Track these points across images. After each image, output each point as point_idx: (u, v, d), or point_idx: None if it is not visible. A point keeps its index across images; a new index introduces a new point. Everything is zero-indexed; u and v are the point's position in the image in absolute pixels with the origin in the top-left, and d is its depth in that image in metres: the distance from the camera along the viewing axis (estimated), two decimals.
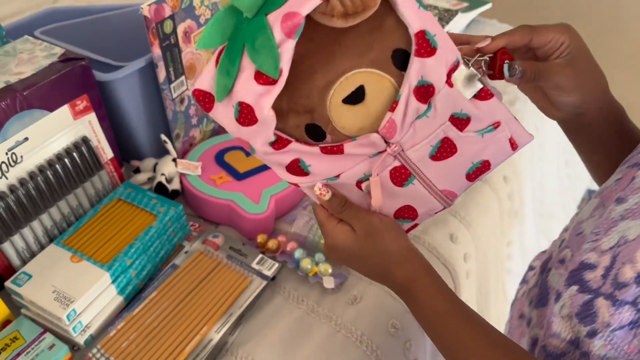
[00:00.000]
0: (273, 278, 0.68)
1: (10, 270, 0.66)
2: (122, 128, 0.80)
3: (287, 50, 0.38)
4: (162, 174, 0.77)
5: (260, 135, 0.42)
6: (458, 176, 0.46)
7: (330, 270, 0.69)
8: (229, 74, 0.39)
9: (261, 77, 0.39)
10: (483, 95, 0.42)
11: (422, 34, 0.40)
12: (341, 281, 0.69)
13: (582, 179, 1.30)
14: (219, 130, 0.92)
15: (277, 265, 0.69)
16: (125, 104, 0.76)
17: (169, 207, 0.71)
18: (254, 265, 0.69)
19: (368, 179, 0.45)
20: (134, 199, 0.73)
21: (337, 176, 0.45)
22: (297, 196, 0.81)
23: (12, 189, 0.64)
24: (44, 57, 0.69)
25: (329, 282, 0.68)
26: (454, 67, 0.41)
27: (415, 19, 0.39)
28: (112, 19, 0.94)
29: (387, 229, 0.47)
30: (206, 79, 0.41)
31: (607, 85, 0.48)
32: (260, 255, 0.70)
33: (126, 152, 0.84)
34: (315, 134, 0.43)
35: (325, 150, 0.43)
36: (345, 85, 0.41)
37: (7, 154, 0.63)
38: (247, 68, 0.39)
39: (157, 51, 0.73)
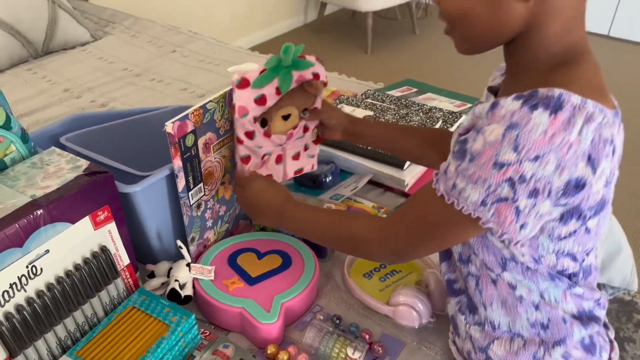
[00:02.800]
0: None
1: None
2: (139, 233, 0.82)
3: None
4: (176, 280, 0.78)
5: (258, 111, 0.80)
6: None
7: None
8: (266, 80, 0.79)
9: (278, 91, 0.80)
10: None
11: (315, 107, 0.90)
12: None
13: None
14: (232, 231, 0.95)
15: None
16: (144, 211, 0.79)
17: (182, 317, 0.72)
18: None
19: (269, 156, 0.89)
20: (148, 307, 0.74)
21: (261, 147, 0.86)
22: (307, 303, 0.82)
23: (29, 301, 0.65)
24: (69, 170, 0.72)
25: None
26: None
27: (319, 102, 0.89)
28: (135, 124, 0.99)
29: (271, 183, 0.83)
30: (251, 77, 0.78)
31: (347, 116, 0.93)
32: None
33: (141, 255, 0.86)
34: (264, 123, 0.84)
35: (265, 133, 0.84)
36: (284, 111, 0.85)
37: (27, 267, 0.65)
38: (273, 84, 0.79)
39: (178, 163, 0.77)
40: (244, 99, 0.78)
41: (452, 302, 0.73)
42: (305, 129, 0.90)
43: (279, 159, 0.91)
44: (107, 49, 1.77)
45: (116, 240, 0.75)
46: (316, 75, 0.83)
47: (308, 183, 1.09)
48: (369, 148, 1.09)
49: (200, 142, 0.80)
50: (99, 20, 2.03)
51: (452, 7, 0.59)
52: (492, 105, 0.55)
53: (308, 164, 0.96)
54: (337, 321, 0.79)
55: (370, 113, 1.23)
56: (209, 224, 0.88)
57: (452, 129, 1.18)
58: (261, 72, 0.78)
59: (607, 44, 3.42)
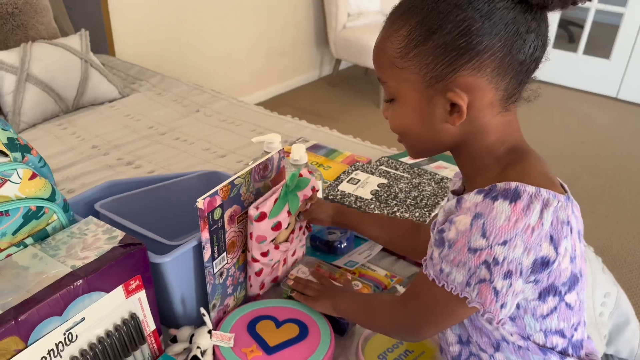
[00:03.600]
0: None
1: None
2: (164, 299, 0.87)
3: None
4: (198, 347, 0.82)
5: (274, 236, 0.91)
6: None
7: None
8: (279, 209, 0.90)
9: (289, 213, 0.92)
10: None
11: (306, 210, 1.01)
12: None
13: None
14: (250, 298, 0.99)
15: None
16: (172, 279, 0.84)
17: None
18: None
19: (277, 263, 0.99)
20: None
21: (272, 259, 0.96)
22: None
23: None
24: (106, 241, 0.78)
25: None
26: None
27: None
28: (165, 190, 1.05)
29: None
30: (266, 208, 0.88)
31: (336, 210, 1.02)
32: None
33: (164, 319, 0.90)
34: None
35: (275, 247, 0.95)
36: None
37: (64, 334, 0.69)
38: (285, 209, 0.91)
39: (205, 235, 0.82)
40: (262, 228, 0.88)
41: None
42: (300, 228, 1.01)
43: (284, 262, 1.01)
44: (134, 106, 1.86)
45: (145, 307, 0.79)
46: (313, 189, 0.97)
47: (323, 248, 1.13)
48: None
49: (227, 214, 0.85)
50: (126, 76, 2.14)
51: (395, 125, 0.71)
52: (457, 200, 0.64)
53: (301, 253, 1.07)
54: None
55: (385, 181, 1.28)
56: (230, 290, 0.92)
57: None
58: (274, 202, 0.89)
59: (615, 106, 3.50)
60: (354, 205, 1.20)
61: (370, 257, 1.10)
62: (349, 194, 1.24)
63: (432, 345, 0.90)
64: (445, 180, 1.29)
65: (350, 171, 1.34)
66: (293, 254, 1.04)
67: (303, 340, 0.87)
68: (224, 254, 0.88)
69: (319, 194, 1.14)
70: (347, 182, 1.29)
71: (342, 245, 1.13)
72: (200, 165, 1.46)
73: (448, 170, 1.40)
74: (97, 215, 0.93)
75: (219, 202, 0.83)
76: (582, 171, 2.73)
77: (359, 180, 1.29)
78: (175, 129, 1.70)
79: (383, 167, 1.36)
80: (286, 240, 0.98)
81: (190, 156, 1.53)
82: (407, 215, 1.16)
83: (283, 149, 0.96)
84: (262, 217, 0.88)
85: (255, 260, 0.93)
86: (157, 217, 0.96)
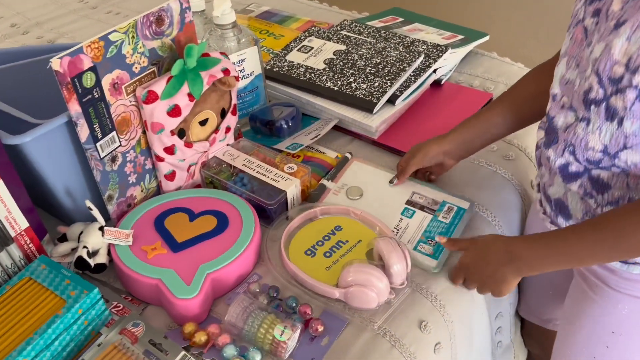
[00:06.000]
0: None
1: None
2: (44, 192, 0.70)
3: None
4: (85, 247, 0.67)
5: (174, 124, 0.73)
6: None
7: None
8: (175, 89, 0.71)
9: (191, 97, 0.72)
10: None
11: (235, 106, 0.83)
12: None
13: None
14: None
15: None
16: (44, 166, 0.67)
17: (82, 291, 0.61)
18: None
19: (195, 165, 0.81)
20: (45, 279, 0.63)
21: (184, 159, 0.79)
22: (241, 273, 0.70)
23: None
24: None
25: None
26: None
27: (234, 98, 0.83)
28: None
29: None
30: (157, 87, 0.70)
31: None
32: (183, 353, 0.59)
33: (57, 217, 0.74)
34: (182, 134, 0.76)
35: (185, 144, 0.77)
36: (201, 116, 0.77)
37: None
38: (184, 91, 0.72)
39: (75, 108, 0.63)
40: (155, 113, 0.71)
41: (573, 187, 0.64)
42: (227, 129, 0.83)
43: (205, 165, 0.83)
44: None
45: (7, 201, 0.63)
46: (226, 71, 0.76)
47: (264, 130, 0.95)
48: (348, 92, 0.94)
49: (106, 82, 0.66)
50: None
51: None
52: None
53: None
54: (274, 294, 0.68)
55: (343, 47, 1.06)
56: (132, 179, 0.75)
57: (435, 65, 1.01)
58: (167, 80, 0.71)
59: None
60: (302, 77, 1.00)
61: (318, 137, 0.92)
62: (297, 64, 1.03)
63: (368, 231, 0.74)
64: (417, 44, 1.06)
65: (302, 38, 1.11)
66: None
67: (220, 235, 0.71)
68: (113, 133, 0.69)
69: (252, 68, 0.93)
70: (298, 50, 1.07)
71: (287, 126, 0.94)
72: None
73: (423, 33, 1.16)
74: None
75: (87, 63, 0.63)
76: None
77: (312, 48, 1.07)
78: (107, 1, 1.45)
79: (344, 32, 1.13)
80: (205, 140, 0.80)
81: None
82: (364, 86, 0.96)
83: None
84: (151, 97, 0.69)
85: (159, 158, 0.75)
86: (40, 94, 0.77)
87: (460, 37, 1.14)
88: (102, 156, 0.69)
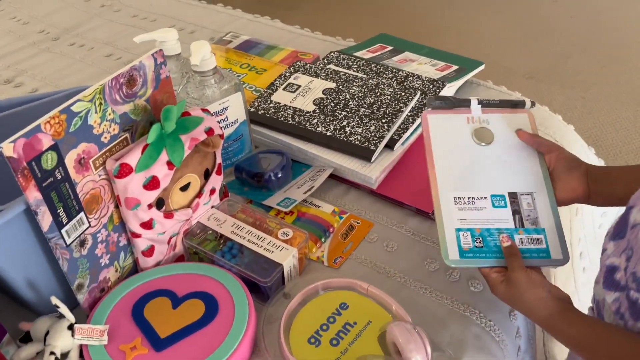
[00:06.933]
0: None
1: None
2: (3, 285, 0.60)
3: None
4: (52, 353, 0.57)
5: (152, 197, 0.64)
6: None
7: None
8: (152, 159, 0.62)
9: (171, 165, 0.63)
10: None
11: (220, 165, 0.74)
12: None
13: None
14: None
15: None
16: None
17: None
18: None
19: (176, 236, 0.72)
20: None
21: (164, 232, 0.69)
22: None
23: None
24: None
25: None
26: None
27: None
28: (18, 116, 0.74)
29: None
30: (131, 161, 0.60)
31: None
32: None
33: (21, 305, 0.64)
34: (160, 204, 0.66)
35: (165, 216, 0.67)
36: (181, 182, 0.68)
37: None
38: (163, 159, 0.63)
39: (34, 195, 0.53)
40: (130, 188, 0.61)
41: (608, 299, 0.55)
42: (212, 191, 0.73)
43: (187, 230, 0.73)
44: (23, 7, 1.47)
45: None
46: (210, 131, 0.67)
47: (252, 182, 0.86)
48: (343, 138, 0.86)
49: (70, 159, 0.56)
50: None
51: None
52: None
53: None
54: None
55: (332, 85, 0.98)
56: (104, 261, 0.65)
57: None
58: (143, 149, 0.61)
59: None
60: (291, 121, 0.91)
61: (312, 190, 0.83)
62: (285, 106, 0.94)
63: (379, 310, 0.66)
64: (412, 79, 0.99)
65: (288, 75, 1.02)
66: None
67: (209, 325, 0.62)
68: (80, 215, 0.60)
69: (236, 116, 0.84)
70: (284, 89, 0.98)
71: (276, 178, 0.85)
72: (100, 76, 1.13)
73: (415, 64, 1.09)
74: None
75: (47, 142, 0.53)
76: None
77: (299, 87, 0.98)
78: (71, 31, 1.33)
79: (332, 67, 1.05)
80: (188, 206, 0.70)
81: (87, 66, 1.19)
82: (359, 130, 0.88)
83: (161, 50, 0.64)
84: (124, 171, 0.60)
85: (135, 235, 0.66)
86: None
87: (455, 67, 1.07)
88: (68, 243, 0.59)
